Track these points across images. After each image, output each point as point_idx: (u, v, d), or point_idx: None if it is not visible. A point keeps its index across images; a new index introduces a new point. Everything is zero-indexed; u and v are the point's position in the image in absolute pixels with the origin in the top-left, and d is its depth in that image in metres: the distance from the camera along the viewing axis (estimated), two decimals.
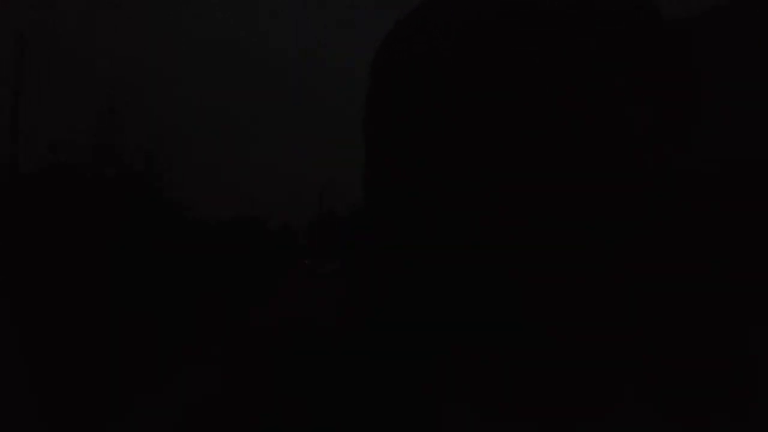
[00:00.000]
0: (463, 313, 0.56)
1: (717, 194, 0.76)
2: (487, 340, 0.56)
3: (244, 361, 0.67)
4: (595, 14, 0.55)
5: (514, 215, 0.53)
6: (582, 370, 0.56)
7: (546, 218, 0.53)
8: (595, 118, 0.53)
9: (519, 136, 0.53)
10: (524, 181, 0.53)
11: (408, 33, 0.60)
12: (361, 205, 0.67)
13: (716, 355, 0.59)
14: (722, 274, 0.70)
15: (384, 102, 0.60)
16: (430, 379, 0.58)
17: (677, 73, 0.58)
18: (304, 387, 0.61)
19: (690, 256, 0.64)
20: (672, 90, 0.57)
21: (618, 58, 0.54)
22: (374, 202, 0.62)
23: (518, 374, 0.56)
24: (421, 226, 0.56)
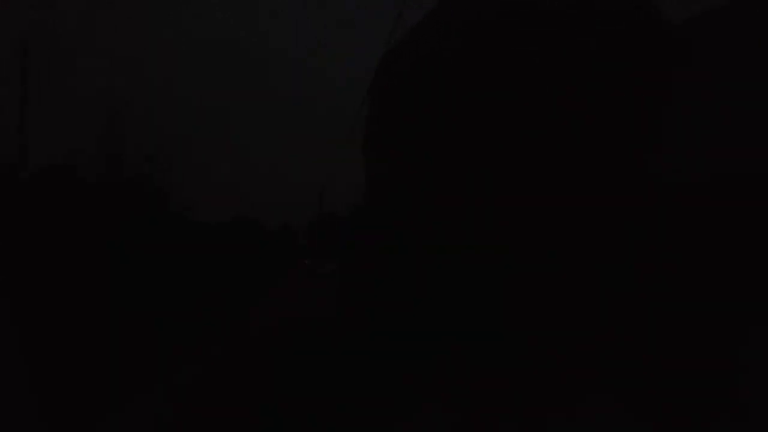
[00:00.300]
0: (459, 317, 0.56)
1: (716, 194, 0.76)
2: (481, 342, 0.56)
3: (244, 361, 0.67)
4: (595, 14, 0.55)
5: (515, 215, 0.53)
6: (581, 371, 0.56)
7: (546, 218, 0.53)
8: (595, 117, 0.53)
9: (519, 136, 0.53)
10: (524, 181, 0.53)
11: (409, 46, 0.60)
12: (360, 205, 0.68)
13: (716, 355, 0.59)
14: (722, 275, 0.70)
15: (387, 118, 0.60)
16: (426, 379, 0.58)
17: (677, 73, 0.58)
18: (303, 386, 0.61)
19: (690, 257, 0.64)
20: (671, 90, 0.57)
21: (618, 58, 0.54)
22: (381, 208, 0.62)
23: (515, 375, 0.56)
24: (430, 231, 0.56)
